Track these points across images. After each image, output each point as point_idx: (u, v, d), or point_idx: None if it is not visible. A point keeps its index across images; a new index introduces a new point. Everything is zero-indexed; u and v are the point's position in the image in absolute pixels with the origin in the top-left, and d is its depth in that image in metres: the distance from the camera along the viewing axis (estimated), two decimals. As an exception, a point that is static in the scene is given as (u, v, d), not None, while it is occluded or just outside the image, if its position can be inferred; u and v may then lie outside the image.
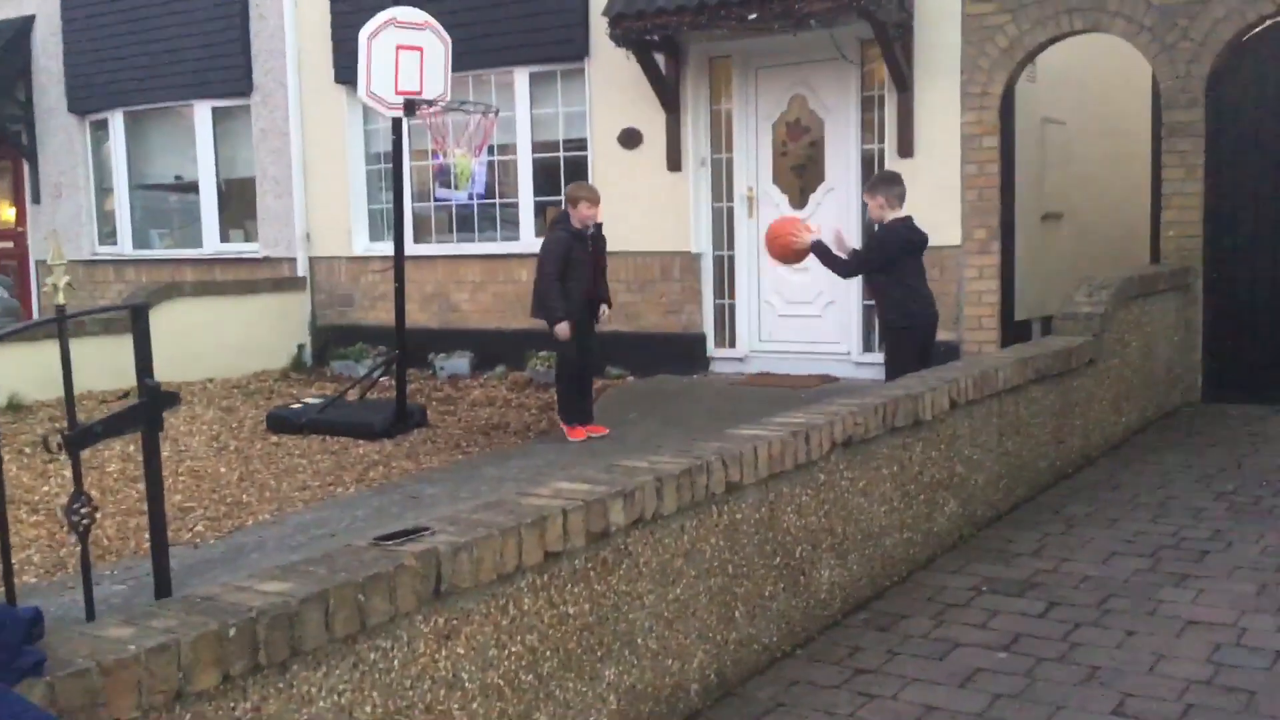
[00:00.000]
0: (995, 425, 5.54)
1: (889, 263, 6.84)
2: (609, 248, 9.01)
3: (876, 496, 4.54)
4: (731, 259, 10.38)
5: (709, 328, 10.47)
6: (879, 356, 9.62)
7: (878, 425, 4.48)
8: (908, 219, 6.88)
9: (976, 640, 4.03)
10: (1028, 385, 5.83)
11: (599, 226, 8.53)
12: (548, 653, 3.00)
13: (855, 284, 9.79)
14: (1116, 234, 11.10)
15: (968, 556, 4.98)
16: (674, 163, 10.32)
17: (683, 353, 10.40)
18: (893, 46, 9.03)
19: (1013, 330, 9.27)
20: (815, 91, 9.96)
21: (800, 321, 10.12)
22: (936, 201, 9.08)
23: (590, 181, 10.73)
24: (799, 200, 10.07)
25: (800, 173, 10.14)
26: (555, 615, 3.02)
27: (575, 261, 8.28)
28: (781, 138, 10.19)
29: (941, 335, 9.17)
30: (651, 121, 10.36)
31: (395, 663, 2.58)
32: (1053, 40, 8.86)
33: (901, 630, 4.14)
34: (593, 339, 8.67)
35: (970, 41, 9.01)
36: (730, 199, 10.36)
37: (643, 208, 10.45)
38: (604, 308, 8.61)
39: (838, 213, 9.84)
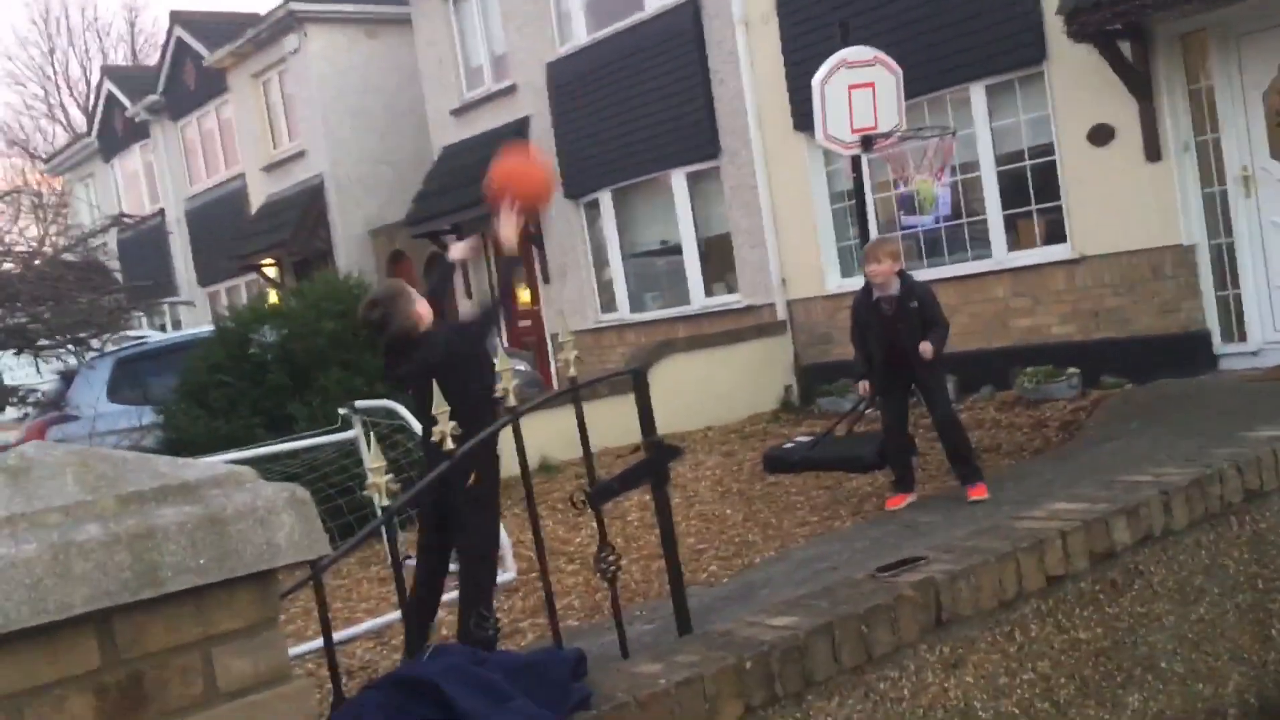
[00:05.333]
0: None
1: None
2: (1090, 251, 8.47)
3: None
4: (1230, 246, 9.50)
5: (1212, 323, 9.62)
6: None
7: None
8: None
9: None
10: None
11: (909, 288, 7.27)
12: (1062, 679, 2.93)
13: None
14: None
15: None
16: (1152, 152, 9.65)
17: (1183, 353, 9.62)
18: (1404, -19, 7.94)
19: None
20: (1312, 48, 8.95)
21: (1325, 304, 9.06)
22: None
23: (1061, 185, 10.30)
24: (1306, 171, 9.06)
25: (1304, 141, 9.12)
26: (1066, 641, 2.95)
27: (866, 324, 7.47)
28: (1275, 107, 9.21)
29: None
30: (1122, 113, 9.77)
31: (905, 692, 2.64)
32: None
33: None
34: (928, 405, 7.53)
35: None
36: (1221, 182, 9.51)
37: (1122, 205, 9.85)
38: (924, 345, 7.12)
39: (1356, 178, 8.74)
